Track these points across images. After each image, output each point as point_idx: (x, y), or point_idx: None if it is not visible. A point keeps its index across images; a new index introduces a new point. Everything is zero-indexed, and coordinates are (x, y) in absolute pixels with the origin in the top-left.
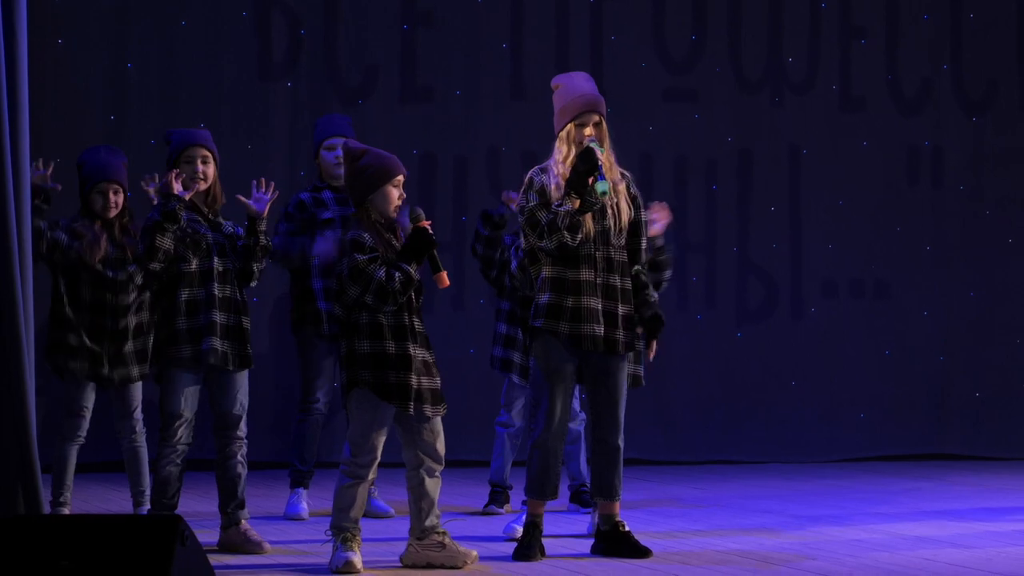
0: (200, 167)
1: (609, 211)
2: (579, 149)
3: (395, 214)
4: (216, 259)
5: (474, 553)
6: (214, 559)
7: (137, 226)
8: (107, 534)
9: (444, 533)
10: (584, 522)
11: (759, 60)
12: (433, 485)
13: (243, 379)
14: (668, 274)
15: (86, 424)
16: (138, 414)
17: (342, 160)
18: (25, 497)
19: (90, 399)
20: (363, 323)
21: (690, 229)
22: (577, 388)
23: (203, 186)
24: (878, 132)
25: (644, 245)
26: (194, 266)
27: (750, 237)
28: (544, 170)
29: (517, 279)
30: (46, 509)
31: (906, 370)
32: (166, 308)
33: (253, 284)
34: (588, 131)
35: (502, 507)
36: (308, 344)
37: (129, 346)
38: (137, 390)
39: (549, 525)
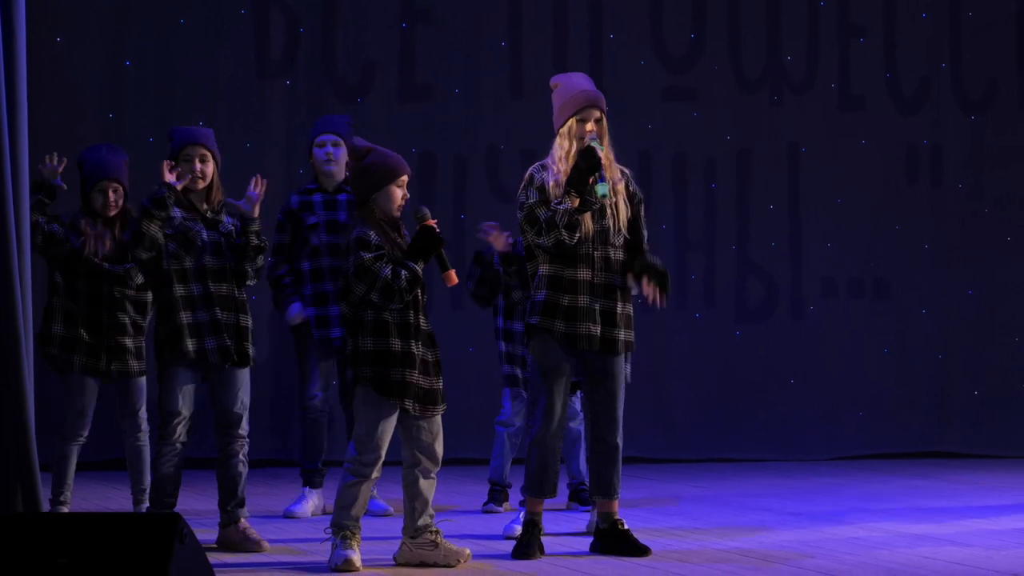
0: (198, 166)
1: (608, 211)
2: (580, 144)
3: (399, 213)
4: (210, 257)
5: (467, 552)
6: (213, 557)
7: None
8: (106, 532)
9: (437, 532)
10: (583, 520)
11: (758, 59)
12: (428, 486)
13: (243, 377)
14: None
15: (87, 423)
16: (143, 413)
17: (332, 158)
18: (24, 495)
19: (91, 398)
20: (368, 320)
21: (689, 228)
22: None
23: (201, 185)
24: (877, 131)
25: (645, 241)
26: (187, 264)
27: (749, 236)
28: (544, 167)
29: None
30: (45, 507)
31: (905, 369)
32: (163, 306)
33: (250, 283)
34: (589, 127)
35: (501, 505)
36: (305, 343)
37: (128, 342)
38: (139, 387)
39: (548, 523)
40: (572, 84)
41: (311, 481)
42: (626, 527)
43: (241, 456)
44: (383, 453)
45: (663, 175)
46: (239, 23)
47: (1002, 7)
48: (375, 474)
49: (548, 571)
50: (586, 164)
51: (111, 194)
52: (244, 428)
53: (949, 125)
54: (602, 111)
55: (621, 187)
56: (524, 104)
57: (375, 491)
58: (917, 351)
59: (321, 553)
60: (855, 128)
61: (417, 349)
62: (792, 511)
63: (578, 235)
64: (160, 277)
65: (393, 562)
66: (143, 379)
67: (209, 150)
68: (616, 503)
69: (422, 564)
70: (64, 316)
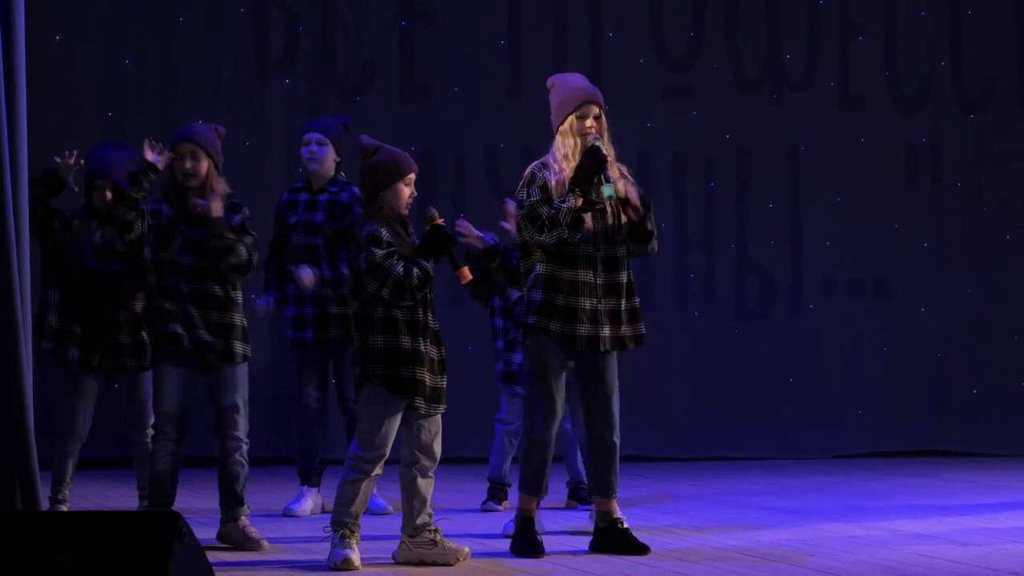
0: (188, 162)
1: (610, 210)
2: (583, 140)
3: (406, 211)
4: (188, 256)
5: (466, 550)
6: (212, 556)
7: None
8: (105, 531)
9: (436, 531)
10: (582, 519)
11: (758, 58)
12: (425, 484)
13: (235, 375)
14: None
15: (87, 422)
16: (149, 410)
17: (315, 156)
18: (23, 493)
19: (90, 397)
20: (378, 318)
21: (689, 227)
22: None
23: (193, 182)
24: (877, 130)
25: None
26: (165, 259)
27: (749, 235)
28: (545, 165)
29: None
30: (44, 506)
31: (905, 368)
32: (154, 304)
33: (236, 279)
34: (589, 123)
35: (500, 504)
36: (299, 342)
37: (124, 338)
38: (141, 384)
39: (548, 522)
40: (569, 82)
41: (308, 479)
42: (625, 526)
43: (239, 456)
44: (387, 451)
45: (663, 174)
46: (239, 23)
47: (1002, 7)
48: (377, 471)
49: (547, 570)
50: (591, 164)
51: (105, 192)
52: (240, 427)
53: (949, 124)
54: (600, 107)
55: (623, 187)
56: (523, 103)
57: (374, 490)
58: (917, 351)
59: (321, 552)
60: (855, 127)
61: (425, 347)
62: (791, 510)
63: (579, 234)
64: (143, 276)
65: (392, 561)
66: (145, 375)
67: (202, 147)
68: (615, 502)
69: (421, 563)
70: (59, 309)
